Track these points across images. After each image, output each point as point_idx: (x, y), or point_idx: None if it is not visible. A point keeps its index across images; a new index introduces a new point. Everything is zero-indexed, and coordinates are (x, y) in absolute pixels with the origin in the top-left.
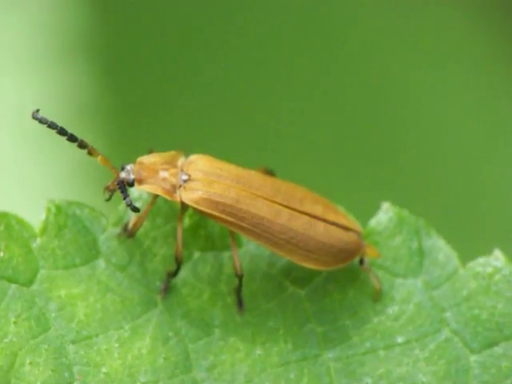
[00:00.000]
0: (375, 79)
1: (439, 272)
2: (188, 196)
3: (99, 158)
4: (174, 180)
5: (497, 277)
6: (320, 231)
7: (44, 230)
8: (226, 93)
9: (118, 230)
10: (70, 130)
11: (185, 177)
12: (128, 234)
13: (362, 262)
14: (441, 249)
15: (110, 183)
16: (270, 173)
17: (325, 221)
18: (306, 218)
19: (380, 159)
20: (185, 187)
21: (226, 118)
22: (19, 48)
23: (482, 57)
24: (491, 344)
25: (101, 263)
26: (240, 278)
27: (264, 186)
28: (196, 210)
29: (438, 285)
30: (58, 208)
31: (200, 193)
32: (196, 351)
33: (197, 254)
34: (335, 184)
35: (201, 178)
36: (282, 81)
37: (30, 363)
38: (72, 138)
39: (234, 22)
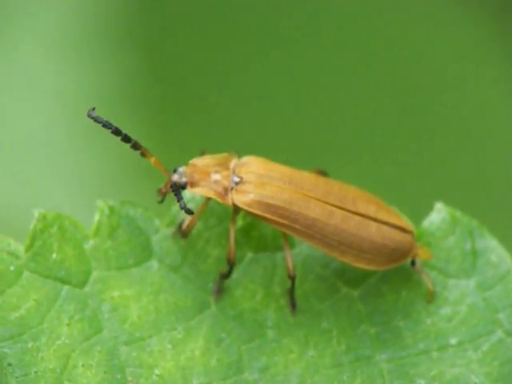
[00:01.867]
0: (427, 78)
1: (492, 273)
2: (240, 198)
3: (152, 159)
4: (226, 182)
5: None
6: (373, 231)
7: (97, 231)
8: (278, 90)
9: (171, 230)
10: (124, 131)
11: (237, 179)
12: (182, 234)
13: (413, 263)
14: (494, 249)
15: (162, 185)
16: (323, 173)
17: (378, 221)
18: (359, 218)
19: (432, 159)
20: (237, 189)
21: (276, 116)
22: (63, 36)
23: None
24: None
25: (154, 264)
26: (293, 279)
27: (316, 186)
28: (248, 213)
29: (491, 286)
30: (111, 209)
31: (252, 195)
32: (249, 352)
33: (250, 255)
34: (388, 184)
35: (253, 180)
36: (333, 82)
37: (83, 365)
38: (126, 139)
39: (288, 19)
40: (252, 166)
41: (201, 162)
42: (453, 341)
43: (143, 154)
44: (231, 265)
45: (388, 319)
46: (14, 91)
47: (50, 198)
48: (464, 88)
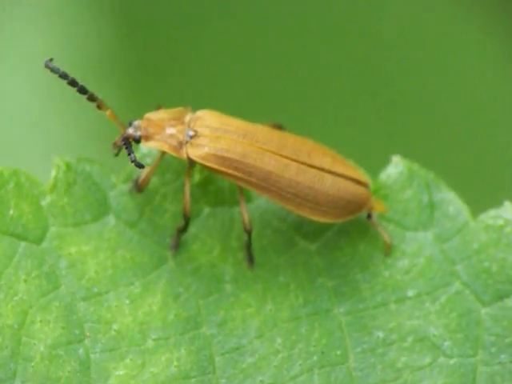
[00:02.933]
0: (388, 34)
1: (450, 225)
2: (195, 152)
3: (108, 112)
4: (180, 136)
5: (507, 229)
6: (328, 184)
7: (54, 188)
8: (242, 49)
9: (127, 186)
10: (80, 82)
11: (191, 133)
12: (137, 188)
13: (369, 216)
14: (451, 202)
15: (117, 139)
16: (278, 127)
17: (333, 173)
18: (314, 171)
19: (391, 113)
20: (191, 143)
21: (240, 74)
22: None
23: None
24: (502, 296)
25: (111, 220)
26: (249, 233)
27: (271, 140)
28: (203, 166)
29: (449, 238)
30: (68, 165)
31: (206, 149)
32: (207, 307)
33: (207, 210)
34: (346, 138)
35: (207, 134)
36: (295, 36)
37: (41, 321)
38: (82, 90)
39: None
40: (206, 120)
41: (155, 116)
42: (410, 293)
43: (99, 106)
44: (187, 219)
45: (345, 272)
46: None
47: (7, 157)
48: (421, 47)
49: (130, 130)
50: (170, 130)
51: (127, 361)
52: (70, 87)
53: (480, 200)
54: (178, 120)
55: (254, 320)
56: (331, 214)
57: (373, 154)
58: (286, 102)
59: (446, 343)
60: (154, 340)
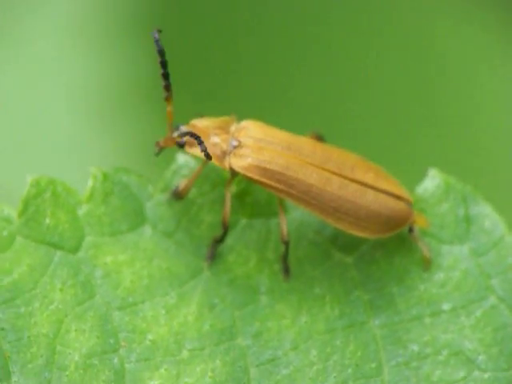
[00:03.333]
0: (423, 49)
1: (486, 239)
2: (237, 162)
3: (168, 109)
4: (224, 146)
5: None
6: (370, 199)
7: (90, 197)
8: (284, 60)
9: (164, 196)
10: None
11: (235, 143)
12: (178, 195)
13: (411, 230)
14: (487, 215)
15: (162, 140)
16: (319, 137)
17: (375, 189)
18: (357, 185)
19: (429, 126)
20: (235, 153)
21: (283, 84)
22: (73, 25)
23: None
24: None
25: (147, 230)
26: (287, 244)
27: (314, 153)
28: (245, 177)
29: (485, 252)
30: (105, 175)
31: (249, 159)
32: (242, 318)
33: (243, 221)
34: (383, 150)
35: (251, 145)
36: (331, 51)
37: (76, 330)
38: (165, 76)
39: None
40: (250, 131)
41: (201, 123)
42: (445, 307)
43: (167, 99)
44: (226, 229)
45: (381, 285)
46: (24, 76)
47: (44, 166)
48: (455, 58)
49: (176, 135)
50: (215, 139)
51: (162, 371)
52: (105, 102)
53: None
54: (223, 129)
55: (289, 332)
56: (370, 229)
57: (409, 166)
58: (328, 114)
59: (481, 357)
60: (189, 350)
